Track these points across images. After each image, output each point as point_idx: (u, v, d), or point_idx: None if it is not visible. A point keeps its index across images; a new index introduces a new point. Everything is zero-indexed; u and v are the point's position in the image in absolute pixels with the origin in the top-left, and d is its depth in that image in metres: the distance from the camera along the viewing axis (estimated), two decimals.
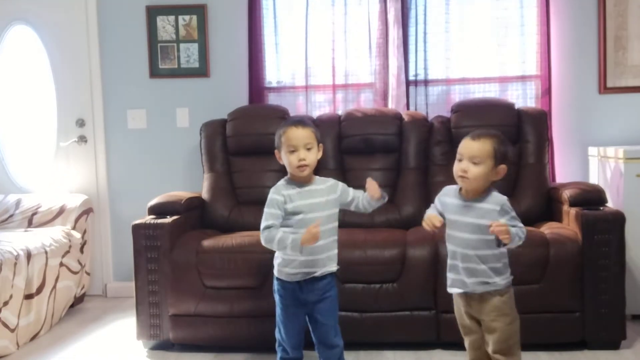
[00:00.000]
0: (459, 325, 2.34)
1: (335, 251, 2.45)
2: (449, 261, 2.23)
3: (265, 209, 2.39)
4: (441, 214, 2.24)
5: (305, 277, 2.39)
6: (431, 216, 2.20)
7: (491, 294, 2.14)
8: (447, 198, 2.23)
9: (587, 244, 2.96)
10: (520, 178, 3.56)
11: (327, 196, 2.42)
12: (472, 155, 2.12)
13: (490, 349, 2.22)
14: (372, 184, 2.39)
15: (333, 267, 2.44)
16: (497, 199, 2.13)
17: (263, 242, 2.37)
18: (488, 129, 2.29)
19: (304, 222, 2.34)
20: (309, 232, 2.25)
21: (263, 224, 2.37)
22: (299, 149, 2.36)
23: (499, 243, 2.07)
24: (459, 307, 2.28)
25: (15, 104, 4.39)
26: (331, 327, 2.45)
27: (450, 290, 2.25)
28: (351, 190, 2.49)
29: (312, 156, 2.40)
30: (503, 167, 2.12)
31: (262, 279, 3.02)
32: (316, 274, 2.39)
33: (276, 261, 2.46)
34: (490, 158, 2.10)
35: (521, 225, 2.12)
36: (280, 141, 2.42)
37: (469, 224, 2.13)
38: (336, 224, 2.45)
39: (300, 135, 2.37)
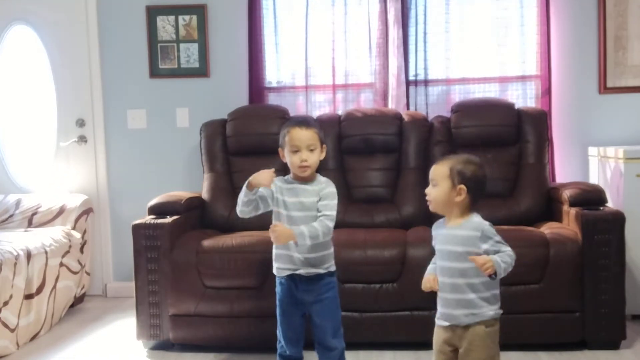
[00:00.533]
0: (434, 354, 2.24)
1: (326, 252, 2.42)
2: (439, 294, 2.17)
3: None
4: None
5: (292, 274, 2.40)
6: (427, 279, 2.19)
7: (477, 323, 2.09)
8: (436, 230, 2.23)
9: (587, 244, 2.96)
10: (520, 178, 3.56)
11: (309, 197, 2.40)
12: (431, 178, 2.16)
13: None
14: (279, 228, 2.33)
15: (327, 269, 2.42)
16: (477, 224, 2.09)
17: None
18: (459, 154, 2.28)
19: (280, 217, 2.40)
20: (259, 172, 2.34)
21: None
22: (301, 149, 2.38)
23: (490, 275, 2.02)
24: (439, 336, 2.20)
25: (15, 104, 4.39)
26: (328, 329, 2.43)
27: (438, 322, 2.19)
28: (324, 203, 2.38)
29: (314, 157, 2.40)
30: (461, 188, 2.07)
31: (262, 279, 3.02)
32: (301, 273, 2.38)
33: (273, 258, 2.48)
34: (446, 179, 2.10)
35: (507, 249, 2.06)
36: (284, 140, 2.43)
37: (452, 252, 2.10)
38: None
39: (304, 136, 2.38)
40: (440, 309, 2.17)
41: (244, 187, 2.38)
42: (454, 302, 2.11)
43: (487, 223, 2.10)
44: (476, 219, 2.11)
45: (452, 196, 2.09)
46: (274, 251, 2.47)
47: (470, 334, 2.09)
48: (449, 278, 2.11)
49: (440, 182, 2.11)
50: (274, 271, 2.48)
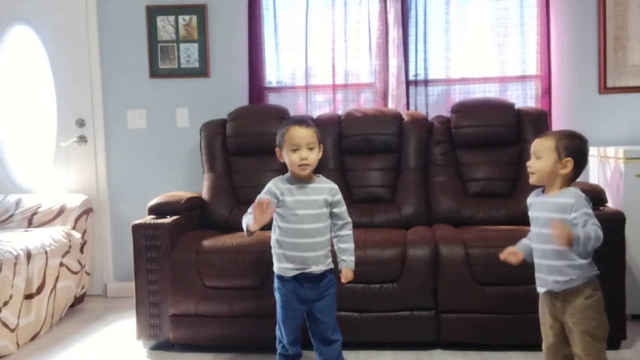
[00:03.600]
0: (541, 327, 2.31)
1: (328, 249, 2.47)
2: (535, 260, 2.25)
3: (260, 195, 2.47)
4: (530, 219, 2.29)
5: (299, 273, 2.42)
6: (510, 251, 2.32)
7: (574, 294, 2.14)
8: (532, 198, 2.30)
9: None
10: (520, 178, 3.56)
11: (321, 195, 2.44)
12: (534, 151, 2.23)
13: (574, 353, 2.20)
14: (347, 276, 2.49)
15: (329, 266, 2.47)
16: (573, 192, 2.15)
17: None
18: (560, 129, 2.37)
19: (291, 217, 2.40)
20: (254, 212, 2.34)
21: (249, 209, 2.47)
22: (301, 148, 2.39)
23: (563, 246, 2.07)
24: (543, 307, 2.28)
25: (15, 104, 4.39)
26: (330, 324, 2.49)
27: (538, 289, 2.26)
28: (342, 209, 2.51)
29: (314, 156, 2.42)
30: (568, 160, 2.15)
31: (262, 279, 3.02)
32: (312, 271, 2.41)
33: (274, 258, 2.49)
34: (551, 151, 2.16)
35: (594, 222, 2.08)
36: (282, 139, 2.45)
37: (545, 218, 2.16)
38: (327, 223, 2.47)
39: (303, 134, 2.40)
40: (536, 274, 2.24)
41: (244, 228, 2.43)
42: (545, 268, 2.19)
43: (584, 195, 2.15)
44: (574, 189, 2.17)
45: (557, 168, 2.16)
46: (278, 251, 2.46)
47: (571, 309, 2.14)
48: (541, 244, 2.18)
49: (546, 155, 2.17)
50: (279, 271, 2.47)
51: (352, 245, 2.52)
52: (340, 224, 2.51)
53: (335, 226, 2.51)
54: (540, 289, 2.24)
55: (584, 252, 2.08)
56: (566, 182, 2.20)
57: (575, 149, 2.16)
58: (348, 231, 2.52)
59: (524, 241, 2.33)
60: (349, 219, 2.54)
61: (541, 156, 2.19)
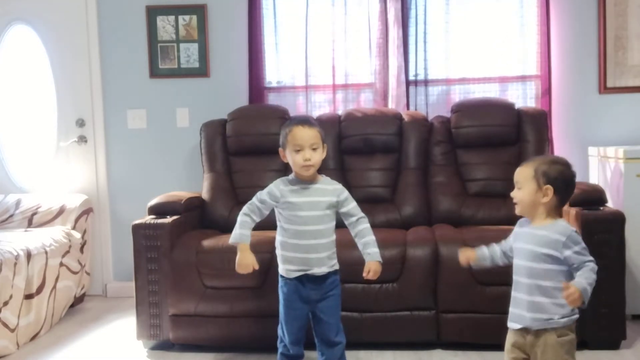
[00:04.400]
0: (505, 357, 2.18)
1: (333, 251, 2.45)
2: (512, 293, 2.12)
3: (265, 189, 2.47)
4: (509, 245, 2.20)
5: (303, 274, 2.41)
6: (468, 253, 2.25)
7: (548, 331, 2.02)
8: (518, 228, 2.19)
9: (587, 244, 2.91)
10: None
11: (324, 197, 2.42)
12: (516, 180, 2.13)
13: None
14: (372, 270, 2.42)
15: (332, 267, 2.46)
16: (564, 229, 2.02)
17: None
18: (543, 155, 2.27)
19: (294, 218, 2.38)
20: (242, 259, 2.41)
21: (249, 203, 2.49)
22: (304, 148, 2.37)
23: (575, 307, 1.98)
24: (509, 340, 2.14)
25: (15, 104, 4.39)
26: (333, 325, 2.47)
27: (509, 324, 2.13)
28: (352, 206, 2.47)
29: (317, 156, 2.40)
30: (547, 188, 2.03)
31: (262, 278, 3.02)
32: (314, 273, 2.40)
33: (278, 259, 2.48)
34: (530, 180, 2.05)
35: (589, 260, 1.99)
36: (285, 140, 2.42)
37: (531, 251, 2.05)
38: (332, 225, 2.45)
39: (307, 134, 2.38)
40: (511, 308, 2.12)
41: (235, 238, 2.47)
42: (525, 304, 2.06)
43: (574, 229, 2.04)
44: (563, 222, 2.07)
45: (538, 197, 2.05)
46: (281, 253, 2.46)
47: (541, 343, 2.03)
48: (525, 278, 2.06)
49: (525, 184, 2.07)
50: (281, 272, 2.47)
51: (373, 238, 2.44)
52: (354, 221, 2.45)
53: (350, 225, 2.47)
54: (514, 325, 2.09)
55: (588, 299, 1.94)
56: (551, 212, 2.07)
57: (556, 175, 2.04)
58: (365, 224, 2.46)
59: (491, 248, 2.24)
60: (362, 214, 2.47)
61: (522, 186, 2.09)
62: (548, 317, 2.01)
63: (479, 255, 2.24)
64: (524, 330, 2.07)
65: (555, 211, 2.08)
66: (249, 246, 2.43)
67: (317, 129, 2.43)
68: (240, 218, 2.46)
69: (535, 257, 2.04)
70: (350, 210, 2.45)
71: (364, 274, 2.40)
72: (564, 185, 2.06)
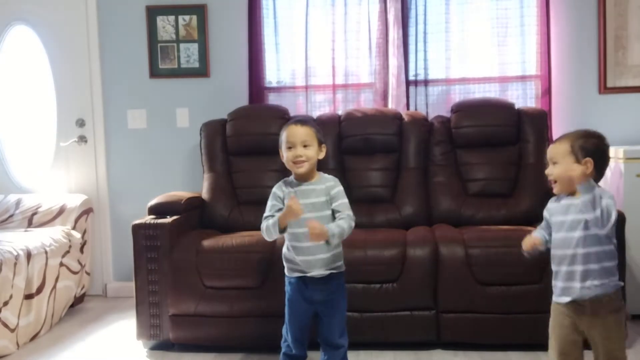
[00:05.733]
0: (557, 349, 2.11)
1: (337, 252, 2.42)
2: (554, 268, 2.11)
3: (268, 202, 2.45)
4: (548, 224, 2.18)
5: (303, 275, 2.39)
6: (533, 238, 2.18)
7: (603, 306, 2.02)
8: (552, 204, 2.18)
9: None
10: (520, 178, 3.56)
11: (321, 197, 2.40)
12: (550, 157, 2.13)
13: None
14: (316, 227, 2.27)
15: (336, 269, 2.43)
16: (593, 190, 1.97)
17: (262, 235, 2.44)
18: (575, 130, 2.19)
19: (297, 222, 2.34)
20: (288, 207, 2.27)
21: (263, 216, 2.43)
22: (296, 145, 2.38)
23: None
24: (562, 321, 2.10)
25: (15, 104, 4.39)
26: (336, 327, 2.45)
27: (558, 299, 2.11)
28: (339, 202, 2.40)
29: (310, 152, 2.38)
30: (588, 160, 2.01)
31: (262, 279, 3.02)
32: (313, 275, 2.37)
33: (283, 257, 2.48)
34: (567, 155, 2.05)
35: (609, 197, 1.95)
36: (280, 140, 2.45)
37: (571, 221, 2.06)
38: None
39: (298, 132, 2.39)
40: (558, 282, 2.11)
41: (271, 226, 2.34)
42: (573, 274, 2.05)
43: (600, 189, 1.99)
44: (594, 186, 2.01)
45: (578, 171, 2.02)
46: (284, 252, 2.45)
47: (600, 325, 2.03)
48: (567, 249, 2.06)
49: (562, 160, 2.06)
50: (287, 272, 2.46)
51: (343, 223, 2.33)
52: (339, 217, 2.38)
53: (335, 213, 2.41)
54: (564, 299, 2.07)
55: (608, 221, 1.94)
56: (586, 181, 2.02)
57: (592, 148, 2.04)
58: (345, 217, 2.36)
59: (539, 231, 2.20)
60: (349, 212, 2.39)
61: (558, 161, 2.08)
62: (599, 283, 2.02)
63: (542, 239, 2.18)
64: (579, 309, 2.05)
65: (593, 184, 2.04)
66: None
67: (311, 127, 2.42)
68: (265, 224, 2.39)
69: (574, 225, 2.04)
70: (337, 206, 2.40)
71: (308, 225, 2.28)
72: (602, 156, 2.06)
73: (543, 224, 2.21)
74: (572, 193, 2.10)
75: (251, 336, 3.07)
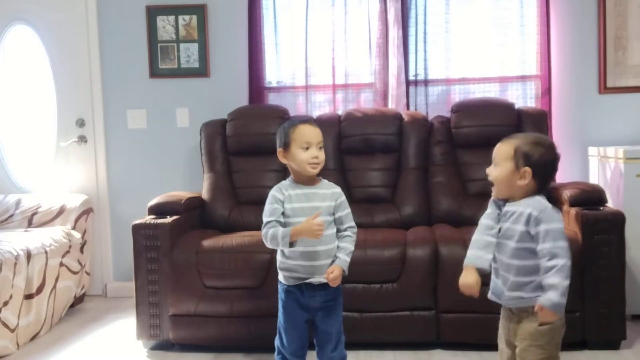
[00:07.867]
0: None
1: (333, 259, 2.35)
2: (493, 265, 1.98)
3: (266, 205, 2.34)
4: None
5: (303, 282, 2.32)
6: (467, 284, 1.95)
7: (527, 317, 1.89)
8: (502, 206, 2.01)
9: (587, 244, 2.96)
10: None
11: (324, 202, 2.33)
12: (493, 156, 1.98)
13: None
14: (335, 273, 2.26)
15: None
16: (533, 202, 1.83)
17: (263, 240, 2.33)
18: (527, 133, 2.10)
19: (292, 225, 2.27)
20: (307, 223, 2.18)
21: (263, 221, 2.32)
22: (312, 146, 2.30)
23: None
24: (501, 328, 2.07)
25: (15, 104, 4.39)
26: (333, 335, 2.37)
27: (489, 296, 2.02)
28: (345, 213, 2.37)
29: (323, 156, 2.34)
30: (526, 170, 1.86)
31: (262, 279, 3.02)
32: (312, 282, 2.30)
33: (278, 265, 2.39)
34: (508, 160, 1.90)
35: (561, 246, 1.78)
36: (289, 138, 2.33)
37: (506, 229, 1.92)
38: (331, 231, 2.34)
39: (314, 132, 2.33)
40: (493, 278, 2.01)
41: (279, 237, 2.24)
42: (503, 280, 1.95)
43: (544, 204, 1.85)
44: (538, 197, 1.89)
45: (515, 179, 1.89)
46: (281, 259, 2.35)
47: (522, 332, 1.92)
48: (505, 257, 1.93)
49: (502, 163, 1.92)
50: (282, 279, 2.38)
51: (351, 248, 2.33)
52: (343, 229, 2.36)
53: (338, 231, 2.37)
54: (493, 297, 2.00)
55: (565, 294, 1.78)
56: (529, 196, 1.91)
57: (537, 157, 1.87)
58: (350, 234, 2.36)
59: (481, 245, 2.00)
60: (353, 224, 2.37)
61: (497, 163, 1.93)
62: (524, 296, 1.88)
63: (481, 271, 1.98)
64: (507, 317, 1.97)
65: (534, 195, 1.91)
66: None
67: (319, 129, 2.38)
68: (271, 232, 2.29)
69: (512, 234, 1.90)
70: (342, 217, 2.36)
71: (326, 275, 2.27)
72: (543, 169, 1.89)
73: (493, 212, 2.01)
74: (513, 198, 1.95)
75: (251, 336, 3.08)
